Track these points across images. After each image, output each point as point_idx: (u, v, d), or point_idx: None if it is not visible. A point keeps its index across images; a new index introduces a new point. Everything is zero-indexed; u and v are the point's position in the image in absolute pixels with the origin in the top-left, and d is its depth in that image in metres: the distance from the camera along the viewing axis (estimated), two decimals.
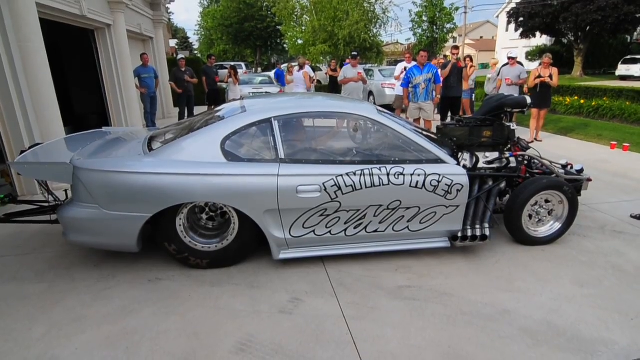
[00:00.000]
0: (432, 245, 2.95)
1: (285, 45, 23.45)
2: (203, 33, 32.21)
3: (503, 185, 3.24)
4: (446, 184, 2.80)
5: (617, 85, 11.43)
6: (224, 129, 2.70)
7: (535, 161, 3.57)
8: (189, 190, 2.57)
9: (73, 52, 8.30)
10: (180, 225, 2.73)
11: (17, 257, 3.11)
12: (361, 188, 2.70)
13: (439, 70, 6.94)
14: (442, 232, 2.96)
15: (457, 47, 7.40)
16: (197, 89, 9.91)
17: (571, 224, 3.20)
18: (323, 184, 2.65)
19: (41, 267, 2.95)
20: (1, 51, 3.95)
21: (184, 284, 2.71)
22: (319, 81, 17.04)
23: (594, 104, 9.36)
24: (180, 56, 8.97)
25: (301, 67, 8.98)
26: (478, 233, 2.94)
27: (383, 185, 2.72)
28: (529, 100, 3.46)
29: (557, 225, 3.19)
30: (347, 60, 7.49)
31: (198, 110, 11.26)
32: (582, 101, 9.84)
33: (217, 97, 10.01)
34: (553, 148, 6.70)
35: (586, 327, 2.25)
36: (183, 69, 8.69)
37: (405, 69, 7.44)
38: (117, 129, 3.83)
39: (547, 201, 3.16)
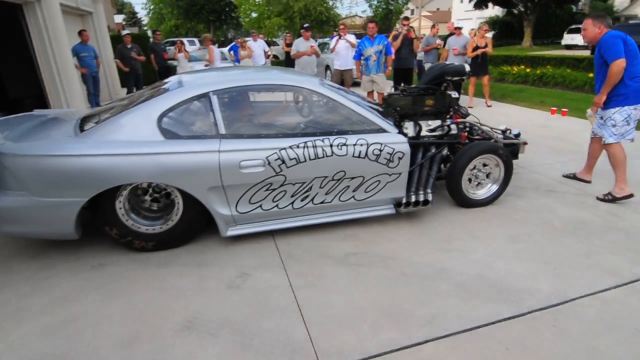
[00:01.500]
0: (377, 212, 3.05)
1: (240, 19, 22.59)
2: (152, 7, 30.29)
3: (445, 152, 3.37)
4: (388, 153, 2.87)
5: (559, 54, 12.00)
6: (160, 106, 2.59)
7: (475, 127, 3.73)
8: (124, 171, 2.47)
9: (1, 31, 7.57)
10: (120, 209, 2.64)
11: None
12: (305, 160, 2.71)
13: (390, 42, 6.97)
14: (387, 199, 3.06)
15: (407, 18, 7.43)
16: (147, 68, 9.42)
17: (507, 185, 3.40)
18: (266, 157, 2.63)
19: None
20: None
21: (129, 268, 2.65)
22: (275, 56, 16.66)
23: (538, 72, 9.81)
24: (125, 32, 8.40)
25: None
26: (421, 198, 3.06)
27: (327, 156, 2.75)
28: (467, 68, 3.57)
29: (495, 187, 3.38)
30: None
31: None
32: (527, 70, 10.28)
33: (169, 74, 9.55)
34: (498, 115, 7.01)
35: (515, 279, 2.43)
36: (129, 46, 8.19)
37: (338, 41, 7.39)
38: (51, 111, 3.57)
39: (484, 165, 3.33)
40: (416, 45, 7.22)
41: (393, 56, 6.91)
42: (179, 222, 2.76)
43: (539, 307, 2.18)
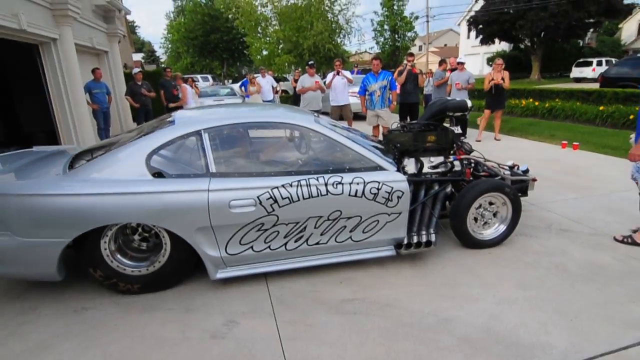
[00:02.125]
0: (376, 254, 2.87)
1: (251, 57, 23.42)
2: (170, 46, 31.68)
3: (449, 189, 3.22)
4: (386, 191, 2.73)
5: (568, 87, 11.93)
6: (149, 144, 2.54)
7: (481, 164, 3.59)
8: (110, 211, 2.39)
9: (20, 68, 7.88)
10: (105, 249, 2.53)
11: None
12: (299, 200, 2.59)
13: (395, 78, 7.02)
14: (387, 240, 2.89)
15: (412, 54, 7.50)
16: (157, 103, 9.65)
17: (516, 224, 3.21)
18: (257, 197, 2.53)
19: None
20: None
21: (112, 313, 2.51)
22: (285, 91, 17.00)
23: (547, 105, 9.71)
24: (135, 70, 8.67)
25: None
26: (423, 239, 2.89)
27: (321, 195, 2.63)
28: (469, 103, 3.49)
29: (502, 227, 3.19)
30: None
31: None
32: (536, 103, 10.19)
33: (177, 109, 9.77)
34: (508, 149, 6.86)
35: (526, 332, 2.21)
36: (139, 83, 8.42)
37: (334, 76, 7.46)
38: (50, 148, 3.57)
39: (491, 203, 3.16)
40: (421, 80, 7.25)
41: (398, 91, 6.93)
42: (166, 263, 2.63)
43: None
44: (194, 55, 27.07)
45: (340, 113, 7.64)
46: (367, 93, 6.89)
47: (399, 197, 2.77)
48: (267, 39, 19.77)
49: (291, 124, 2.76)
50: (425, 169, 3.30)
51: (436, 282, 2.74)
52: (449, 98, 3.82)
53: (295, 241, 2.71)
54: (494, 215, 3.21)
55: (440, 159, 3.38)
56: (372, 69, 6.82)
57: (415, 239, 2.91)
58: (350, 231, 2.78)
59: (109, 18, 9.70)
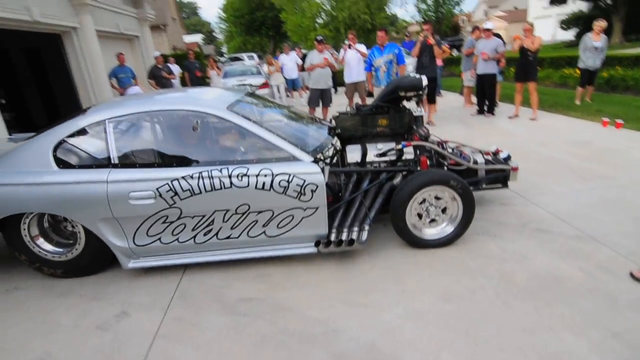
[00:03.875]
0: (294, 251, 2.67)
1: (287, 34, 23.08)
2: (223, 27, 32.42)
3: (397, 181, 2.87)
4: (297, 184, 2.49)
5: (633, 52, 10.06)
6: (56, 135, 2.56)
7: (449, 150, 3.16)
8: (17, 201, 2.47)
9: (50, 57, 8.50)
10: (26, 235, 2.65)
11: None
12: (200, 192, 2.46)
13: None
14: (307, 236, 2.67)
15: (426, 23, 6.79)
16: (181, 84, 9.97)
17: (467, 223, 2.78)
18: (157, 189, 2.44)
19: None
20: None
21: (34, 294, 2.65)
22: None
23: (605, 74, 8.29)
24: (156, 53, 8.95)
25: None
26: (344, 237, 2.62)
27: (225, 188, 2.47)
28: (424, 81, 3.02)
29: (449, 229, 2.78)
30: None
31: None
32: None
33: None
34: (534, 128, 6.02)
35: (411, 355, 1.90)
36: (160, 66, 8.70)
37: (346, 51, 6.97)
38: (24, 135, 3.79)
39: (437, 198, 2.75)
40: (437, 52, 6.53)
41: (406, 65, 6.34)
42: (83, 251, 2.69)
43: None
44: (241, 33, 27.47)
45: (355, 90, 7.24)
46: (372, 69, 6.42)
47: (312, 191, 2.51)
48: (302, 11, 19.17)
49: (198, 112, 2.60)
50: (371, 157, 2.98)
51: (352, 285, 2.48)
52: (411, 75, 3.34)
53: (204, 235, 2.61)
54: (443, 211, 2.80)
55: (390, 145, 3.01)
56: (377, 41, 6.30)
57: (335, 237, 2.65)
58: (264, 226, 2.61)
59: (138, 2, 10.06)
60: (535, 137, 5.53)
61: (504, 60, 7.14)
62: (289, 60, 10.21)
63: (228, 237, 2.62)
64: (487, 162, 3.24)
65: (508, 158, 3.33)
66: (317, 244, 2.64)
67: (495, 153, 3.45)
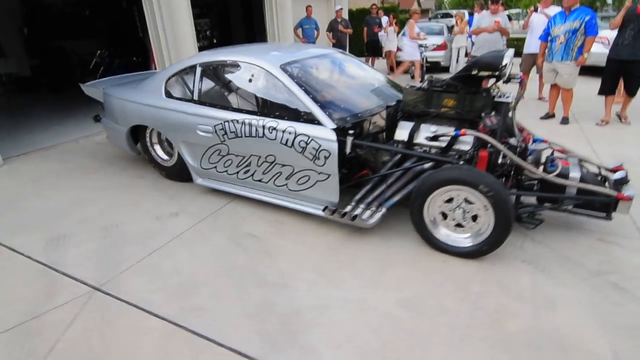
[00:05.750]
0: (305, 208, 2.82)
1: None
2: None
3: (428, 166, 2.58)
4: (313, 148, 2.58)
5: None
6: (170, 70, 3.39)
7: (526, 149, 2.57)
8: (140, 116, 3.48)
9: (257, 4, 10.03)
10: (148, 141, 3.69)
11: None
12: (242, 136, 2.88)
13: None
14: (320, 199, 2.77)
15: None
16: (360, 39, 10.33)
17: (497, 244, 2.28)
18: (214, 126, 2.98)
19: None
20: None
21: (146, 184, 3.73)
22: None
23: None
24: (338, 6, 9.45)
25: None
26: (349, 210, 2.59)
27: (259, 137, 2.80)
28: (506, 59, 2.40)
29: (468, 241, 2.36)
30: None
31: None
32: None
33: (376, 47, 10.15)
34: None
35: (316, 336, 1.90)
36: (339, 19, 9.24)
37: (531, 14, 5.57)
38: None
39: (468, 202, 2.34)
40: None
41: (596, 37, 4.82)
42: (176, 163, 3.56)
43: None
44: None
45: (534, 64, 6.07)
46: (549, 38, 5.18)
47: (326, 158, 2.56)
48: None
49: (254, 64, 2.90)
50: (420, 139, 2.72)
51: (337, 259, 2.50)
52: (497, 50, 2.61)
53: (244, 173, 3.05)
54: (474, 219, 2.37)
55: (445, 130, 2.65)
56: (563, 3, 4.98)
57: (354, 209, 2.64)
58: (286, 179, 2.84)
59: None
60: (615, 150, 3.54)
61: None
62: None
63: (260, 180, 2.99)
64: (584, 179, 2.45)
65: (623, 181, 2.42)
66: (324, 209, 2.71)
67: (614, 170, 2.55)
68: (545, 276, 2.27)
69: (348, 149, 2.57)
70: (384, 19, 10.12)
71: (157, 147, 3.73)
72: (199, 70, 3.18)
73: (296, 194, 2.87)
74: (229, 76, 3.16)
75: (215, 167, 3.19)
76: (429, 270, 2.36)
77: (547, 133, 4.93)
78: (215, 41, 9.18)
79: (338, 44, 9.39)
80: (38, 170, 4.12)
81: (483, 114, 2.56)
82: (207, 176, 3.33)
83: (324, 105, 2.65)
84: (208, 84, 3.20)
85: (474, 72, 2.54)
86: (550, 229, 2.72)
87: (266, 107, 2.89)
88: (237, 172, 3.08)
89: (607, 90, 5.12)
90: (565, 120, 5.24)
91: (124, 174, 3.96)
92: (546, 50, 5.27)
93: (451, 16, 20.26)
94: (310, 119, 2.64)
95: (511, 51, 2.67)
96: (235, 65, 3.06)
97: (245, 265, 2.46)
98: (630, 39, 4.74)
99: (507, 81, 2.77)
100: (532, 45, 6.22)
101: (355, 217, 2.56)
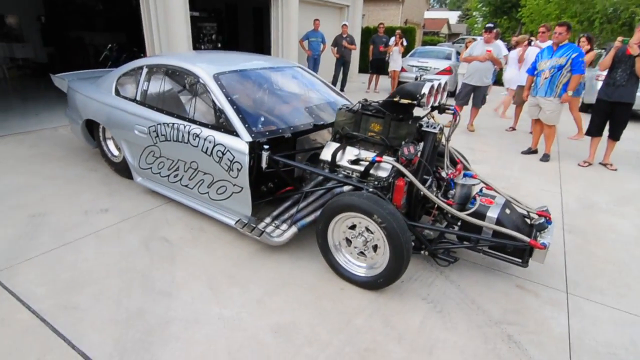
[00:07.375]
0: (223, 219, 2.77)
1: (522, 20, 19.11)
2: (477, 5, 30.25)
3: (347, 189, 2.52)
4: (228, 159, 2.55)
5: None
6: (122, 69, 3.46)
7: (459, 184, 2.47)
8: (93, 111, 3.56)
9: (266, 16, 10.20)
10: (100, 136, 3.77)
11: None
12: (170, 140, 2.88)
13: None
14: (235, 211, 2.73)
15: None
16: (364, 57, 10.33)
17: (393, 278, 2.17)
18: (148, 127, 3.01)
19: None
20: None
21: (97, 176, 3.78)
22: None
23: None
24: (343, 22, 9.50)
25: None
26: (261, 225, 2.54)
27: (184, 142, 2.80)
28: (425, 88, 2.31)
29: (362, 271, 2.26)
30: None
31: (362, 77, 11.71)
32: None
33: (381, 65, 10.12)
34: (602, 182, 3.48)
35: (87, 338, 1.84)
36: (344, 35, 9.27)
37: (525, 48, 5.42)
38: None
39: (369, 231, 2.24)
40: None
41: (583, 77, 4.64)
42: (122, 160, 3.60)
43: None
44: (487, 15, 24.80)
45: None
46: (535, 72, 5.03)
47: (238, 170, 2.53)
48: None
49: (189, 71, 2.91)
50: (343, 162, 2.65)
51: (234, 272, 2.44)
52: (437, 78, 2.50)
53: (174, 177, 3.04)
54: (374, 249, 2.27)
55: (365, 154, 2.57)
56: (552, 38, 4.83)
57: (268, 224, 2.59)
58: (208, 187, 2.82)
59: None
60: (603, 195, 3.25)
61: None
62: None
63: (187, 186, 2.98)
64: (502, 220, 2.31)
65: (541, 227, 2.28)
66: (237, 221, 2.67)
67: (538, 214, 2.42)
68: (439, 318, 2.14)
69: (264, 164, 2.53)
70: (391, 39, 10.10)
71: (110, 142, 3.80)
72: (145, 71, 3.23)
73: (216, 203, 2.83)
74: (167, 80, 3.19)
75: (151, 168, 3.20)
76: (322, 296, 2.27)
77: (521, 168, 4.78)
78: (219, 45, 9.37)
79: (341, 59, 9.42)
80: (3, 154, 4.25)
81: (403, 142, 2.48)
82: (146, 176, 3.34)
83: (246, 118, 2.63)
84: (150, 86, 3.23)
85: (396, 99, 2.46)
86: (470, 269, 2.58)
87: (195, 114, 2.89)
88: (168, 176, 3.08)
89: (594, 131, 4.90)
90: (545, 157, 5.03)
91: (81, 165, 4.03)
92: (532, 85, 5.12)
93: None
94: (230, 130, 2.61)
95: (443, 79, 2.59)
96: (175, 71, 3.08)
97: (143, 269, 2.43)
98: (624, 81, 4.51)
99: (441, 112, 2.68)
100: (521, 78, 6.12)
101: (261, 232, 2.50)
